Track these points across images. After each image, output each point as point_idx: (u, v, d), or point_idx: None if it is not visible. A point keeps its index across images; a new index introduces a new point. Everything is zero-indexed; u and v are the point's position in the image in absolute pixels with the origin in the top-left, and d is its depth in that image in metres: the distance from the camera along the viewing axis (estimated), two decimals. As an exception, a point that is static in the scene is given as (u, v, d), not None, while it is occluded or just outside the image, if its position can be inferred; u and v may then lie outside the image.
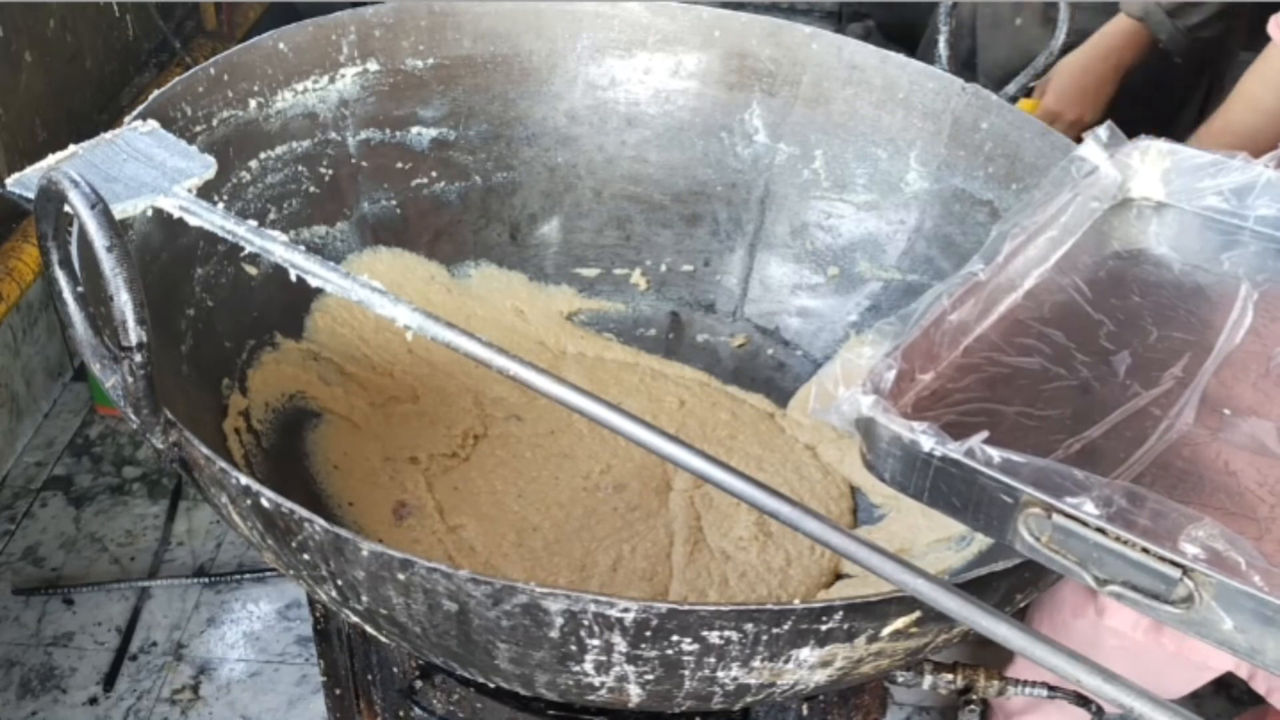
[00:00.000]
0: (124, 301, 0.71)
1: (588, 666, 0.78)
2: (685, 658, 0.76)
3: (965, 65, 2.12)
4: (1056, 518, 0.70)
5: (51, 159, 0.93)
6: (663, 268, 1.44)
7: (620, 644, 0.76)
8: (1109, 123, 1.03)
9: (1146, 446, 0.78)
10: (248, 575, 2.00)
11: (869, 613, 0.76)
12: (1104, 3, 2.01)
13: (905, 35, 2.75)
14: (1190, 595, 0.66)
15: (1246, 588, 0.64)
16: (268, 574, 1.99)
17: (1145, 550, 0.67)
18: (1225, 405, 0.82)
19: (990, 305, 0.90)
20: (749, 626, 0.74)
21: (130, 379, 0.76)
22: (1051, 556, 0.71)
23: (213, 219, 0.85)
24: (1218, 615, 0.66)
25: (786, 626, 0.75)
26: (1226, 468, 0.77)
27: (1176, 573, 0.66)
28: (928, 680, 1.04)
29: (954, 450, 0.72)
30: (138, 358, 0.74)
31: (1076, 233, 0.98)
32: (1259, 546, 0.68)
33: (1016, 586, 0.84)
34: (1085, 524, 0.69)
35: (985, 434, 0.72)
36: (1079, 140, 1.05)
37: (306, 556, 0.80)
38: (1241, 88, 1.64)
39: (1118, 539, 0.68)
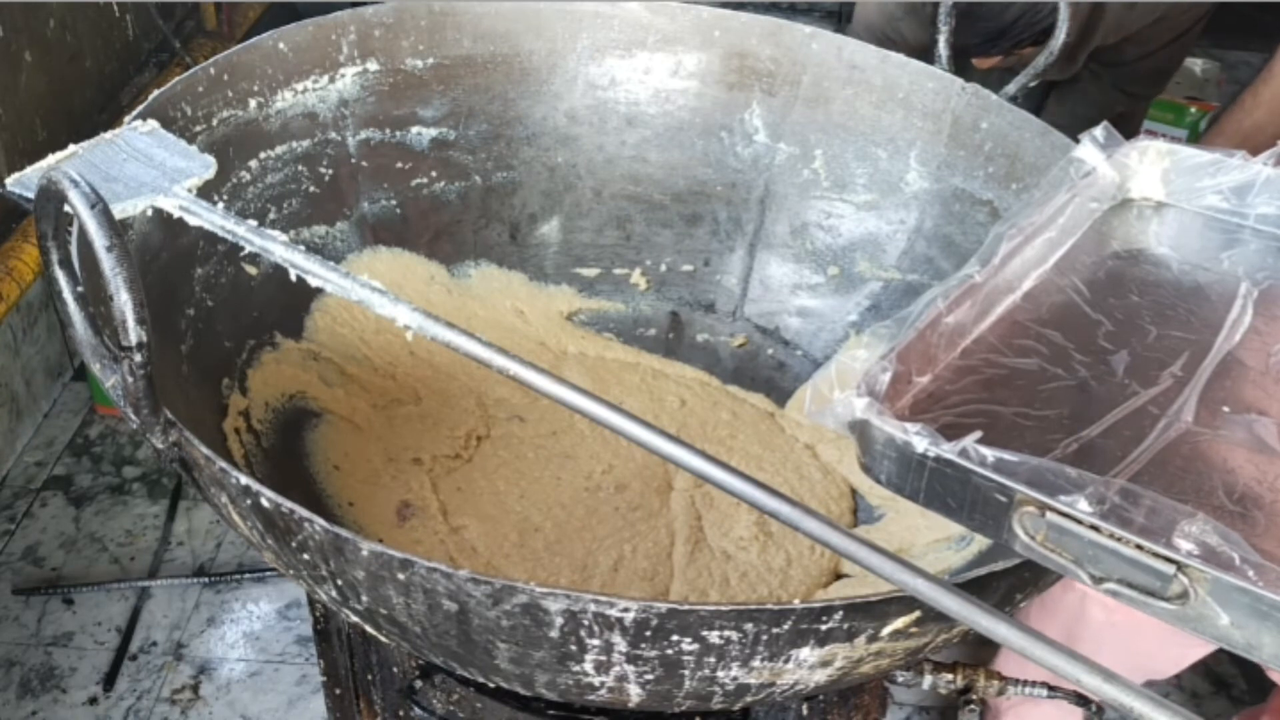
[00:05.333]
0: (124, 301, 0.71)
1: (588, 666, 0.78)
2: (685, 657, 0.76)
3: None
4: (1051, 516, 0.70)
5: (51, 159, 0.93)
6: (663, 268, 1.44)
7: (620, 644, 0.76)
8: (1105, 123, 1.03)
9: (1145, 444, 0.78)
10: (248, 575, 2.00)
11: (869, 613, 0.76)
12: (1113, 2, 2.01)
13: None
14: (1185, 591, 0.66)
15: (1241, 583, 0.64)
16: (268, 574, 1.99)
17: (1139, 547, 0.67)
18: (1224, 403, 0.82)
19: (988, 307, 0.90)
20: (749, 626, 0.74)
21: (130, 379, 0.76)
22: (1047, 555, 0.71)
23: (213, 219, 0.85)
24: (1213, 611, 0.66)
25: (786, 626, 0.75)
26: (1225, 465, 0.77)
27: (1171, 569, 0.66)
28: (928, 680, 1.04)
29: (948, 450, 0.72)
30: (138, 358, 0.74)
31: (1075, 233, 0.98)
32: (1259, 543, 0.68)
33: (1016, 586, 0.84)
34: (1079, 522, 0.69)
35: (979, 434, 0.73)
36: None
37: (306, 556, 0.80)
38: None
39: (1112, 536, 0.68)
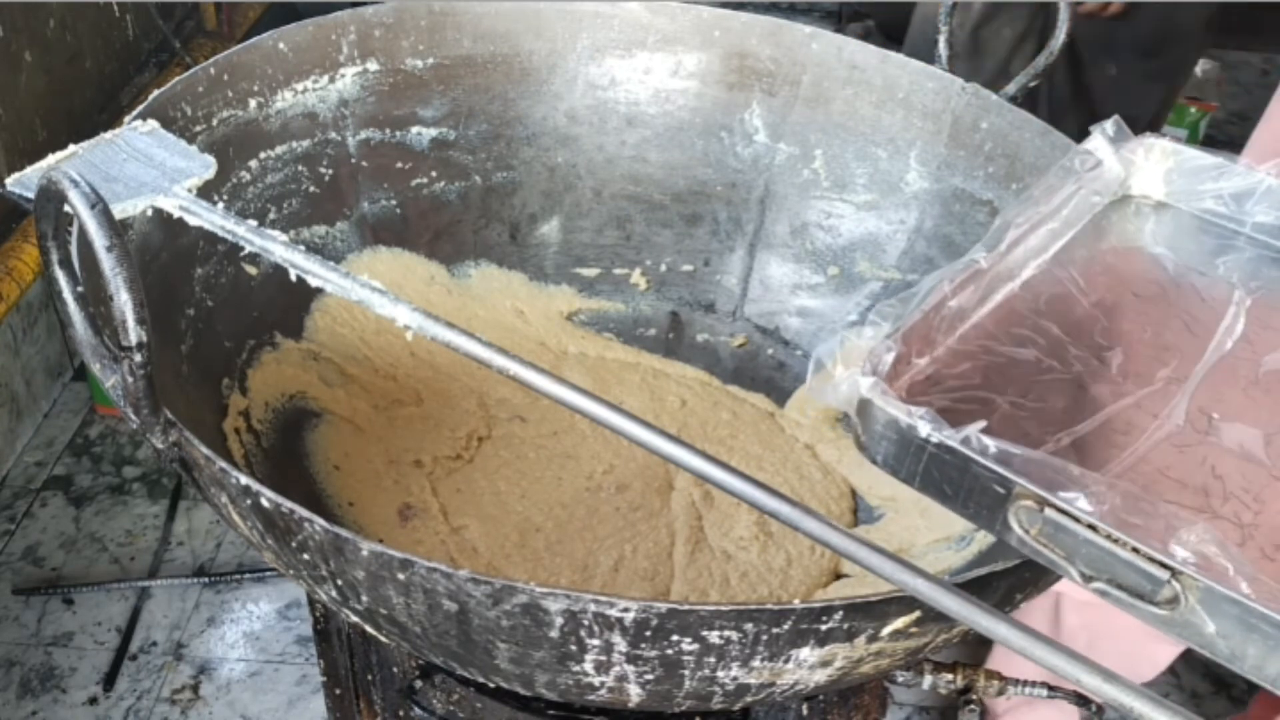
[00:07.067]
0: (124, 301, 0.71)
1: (588, 666, 0.79)
2: (685, 657, 0.77)
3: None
4: (1048, 511, 0.70)
5: (51, 159, 0.93)
6: (663, 268, 1.44)
7: (620, 644, 0.76)
8: (1116, 118, 1.03)
9: (1136, 445, 0.78)
10: (248, 575, 2.00)
11: (869, 612, 0.76)
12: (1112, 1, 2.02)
13: (905, 35, 2.76)
14: (1176, 597, 0.66)
15: (1232, 593, 0.64)
16: (268, 574, 2.00)
17: (1135, 550, 0.67)
18: (1214, 409, 0.82)
19: (988, 293, 0.90)
20: (749, 626, 0.74)
21: (130, 379, 0.76)
22: (1039, 549, 0.71)
23: (213, 219, 0.85)
24: (1201, 619, 0.66)
25: (786, 626, 0.75)
26: (1213, 471, 0.77)
27: (1164, 574, 0.66)
28: (928, 680, 1.04)
29: (950, 437, 0.72)
30: (138, 358, 0.74)
31: (1076, 226, 0.98)
32: (1243, 552, 0.68)
33: (1016, 586, 0.84)
34: (1077, 520, 0.69)
35: (983, 423, 0.72)
36: None
37: (306, 556, 0.81)
38: None
39: (1108, 537, 0.68)
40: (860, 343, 0.80)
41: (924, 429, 0.73)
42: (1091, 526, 0.68)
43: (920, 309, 0.83)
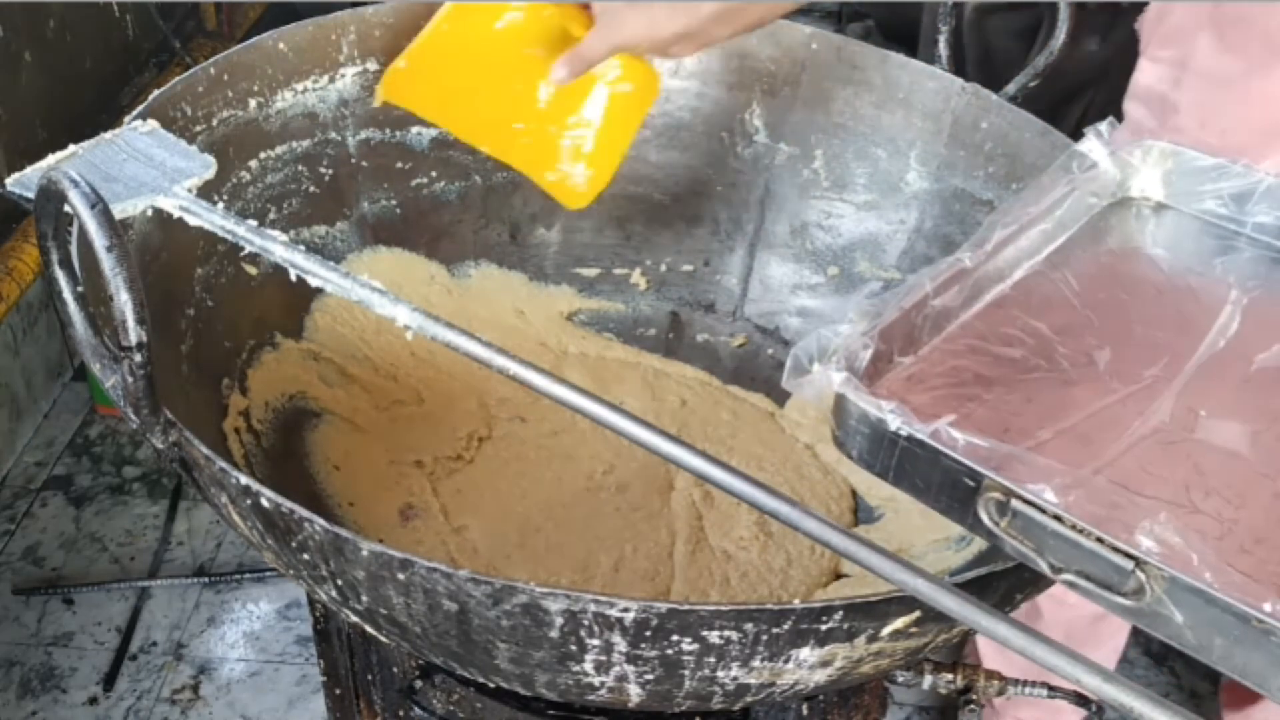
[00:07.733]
0: (124, 301, 0.71)
1: (588, 666, 0.79)
2: (685, 657, 0.77)
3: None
4: (1016, 503, 0.70)
5: (51, 159, 0.93)
6: (663, 268, 1.44)
7: (620, 644, 0.76)
8: (1110, 119, 1.03)
9: (1118, 441, 0.78)
10: (248, 575, 2.00)
11: (869, 613, 0.76)
12: (1103, 2, 2.01)
13: (905, 35, 2.76)
14: (1141, 587, 0.66)
15: (1196, 583, 0.64)
16: (268, 574, 2.00)
17: (1100, 540, 0.67)
18: (1202, 407, 0.82)
19: (976, 293, 0.90)
20: (749, 626, 0.74)
21: (130, 379, 0.76)
22: (1009, 542, 0.71)
23: (213, 219, 0.85)
24: (1167, 609, 0.66)
25: (786, 626, 0.75)
26: (1197, 468, 0.77)
27: (1129, 564, 0.66)
28: (928, 680, 1.04)
29: (920, 430, 0.73)
30: (138, 358, 0.74)
31: (1071, 227, 0.98)
32: (1220, 545, 0.68)
33: (1016, 586, 0.84)
34: (1043, 510, 0.69)
35: (953, 416, 0.73)
36: None
37: (306, 556, 0.81)
38: None
39: (1074, 527, 0.68)
40: (836, 340, 0.81)
41: (894, 422, 0.74)
42: (1057, 517, 0.69)
43: (899, 307, 0.84)
